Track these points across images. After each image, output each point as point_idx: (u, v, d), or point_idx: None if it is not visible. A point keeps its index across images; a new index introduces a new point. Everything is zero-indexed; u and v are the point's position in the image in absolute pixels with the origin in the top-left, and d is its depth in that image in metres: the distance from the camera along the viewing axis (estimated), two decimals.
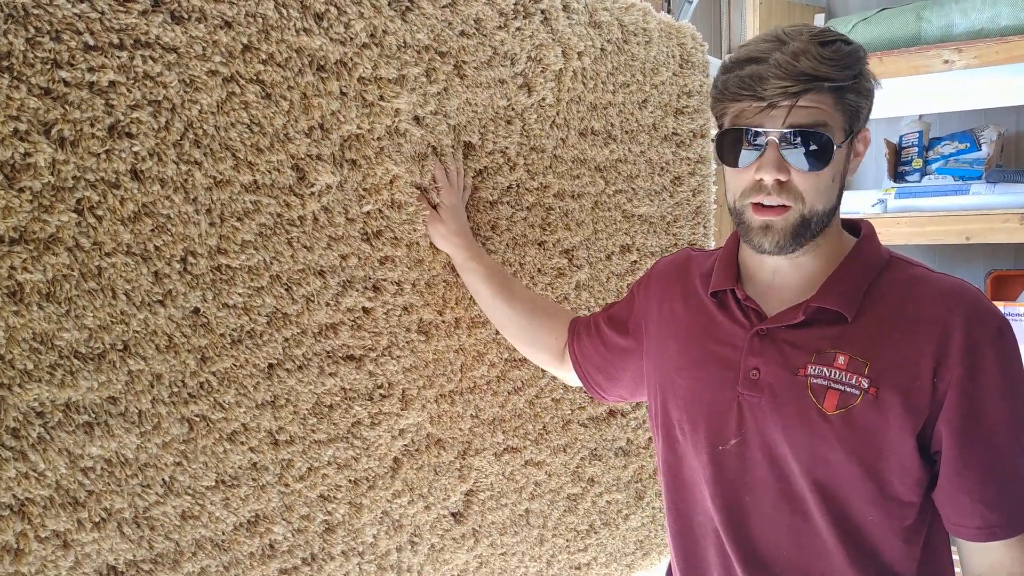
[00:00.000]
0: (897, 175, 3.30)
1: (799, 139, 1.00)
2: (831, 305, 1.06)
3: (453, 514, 1.46)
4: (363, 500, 1.27)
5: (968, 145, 3.13)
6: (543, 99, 1.51)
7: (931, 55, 2.70)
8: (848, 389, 1.03)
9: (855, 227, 1.15)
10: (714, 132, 1.16)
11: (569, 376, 1.42)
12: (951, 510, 1.05)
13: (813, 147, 1.00)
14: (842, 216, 1.14)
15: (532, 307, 1.40)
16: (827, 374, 1.04)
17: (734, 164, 1.05)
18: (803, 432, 1.05)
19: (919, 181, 3.09)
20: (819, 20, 3.33)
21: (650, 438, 1.88)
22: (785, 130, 1.00)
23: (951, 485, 1.03)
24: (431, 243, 1.36)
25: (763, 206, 1.04)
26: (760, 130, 1.01)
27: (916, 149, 3.25)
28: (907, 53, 2.76)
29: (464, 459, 1.47)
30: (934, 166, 3.13)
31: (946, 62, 2.69)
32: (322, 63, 1.12)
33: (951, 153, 3.14)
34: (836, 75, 0.98)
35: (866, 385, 1.02)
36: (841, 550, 1.06)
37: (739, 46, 1.06)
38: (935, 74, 2.69)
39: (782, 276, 1.12)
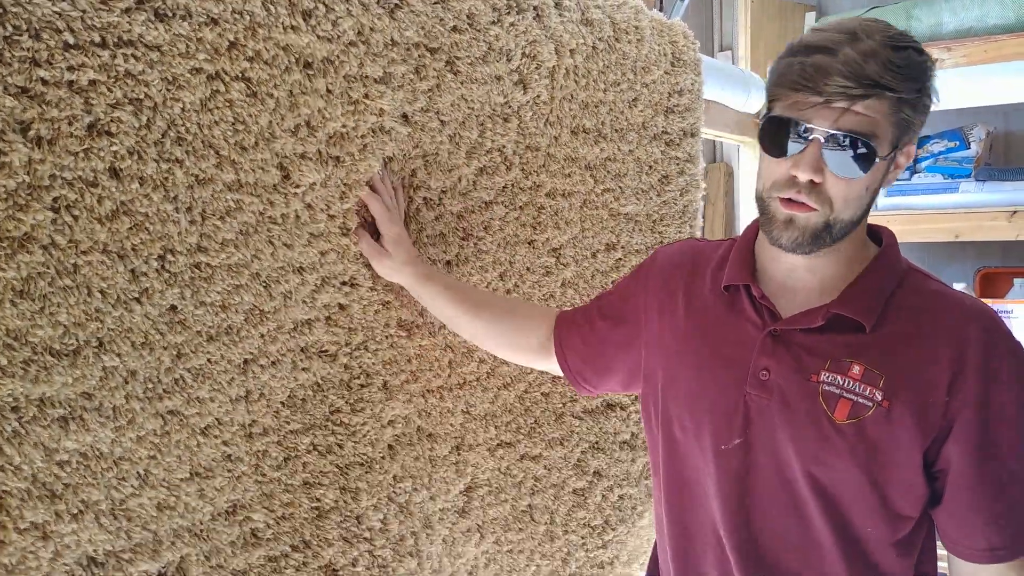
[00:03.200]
0: None
1: (846, 142, 0.97)
2: (852, 313, 1.05)
3: (457, 510, 1.47)
4: (359, 484, 1.28)
5: (957, 143, 3.13)
6: (538, 96, 1.51)
7: None
8: (861, 400, 1.02)
9: (877, 234, 1.13)
10: (755, 122, 1.09)
11: (555, 369, 1.39)
12: (956, 530, 1.05)
13: (855, 154, 0.97)
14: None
15: (499, 313, 1.35)
16: (840, 383, 1.03)
17: (774, 154, 1.02)
18: (811, 438, 1.04)
19: (909, 179, 3.10)
20: (810, 18, 3.31)
21: None
22: (834, 131, 0.97)
23: (958, 505, 1.03)
24: (416, 244, 1.36)
25: (791, 201, 1.01)
26: (809, 125, 0.98)
27: None
28: None
29: (459, 454, 1.48)
30: (924, 164, 3.13)
31: (935, 60, 2.67)
32: (309, 61, 1.12)
33: (940, 151, 3.14)
34: (899, 86, 0.96)
35: (879, 398, 1.02)
36: (840, 558, 1.07)
37: (812, 29, 1.03)
38: None
39: (797, 276, 1.10)
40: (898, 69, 0.95)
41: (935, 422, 1.01)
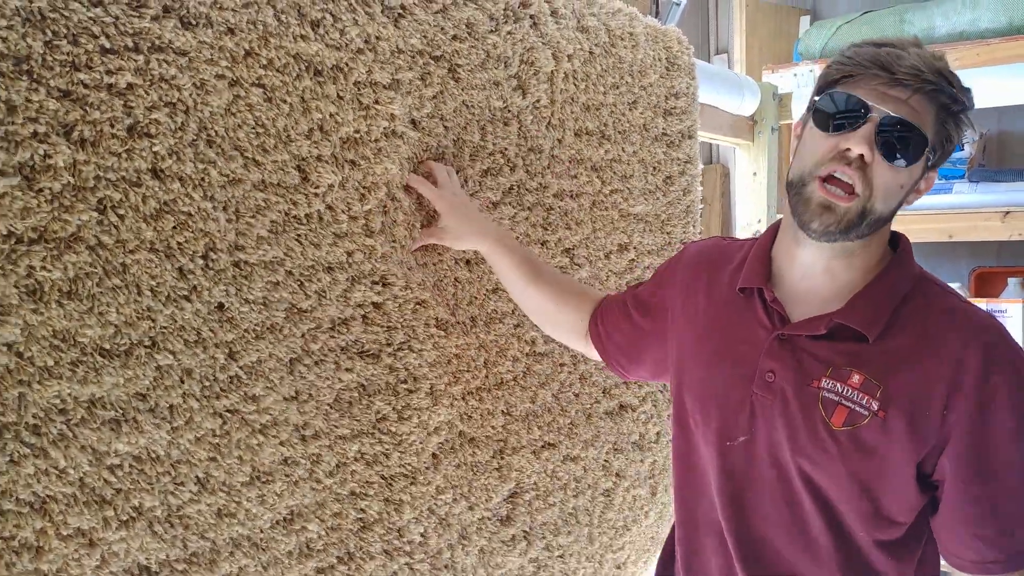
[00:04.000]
0: None
1: (899, 128, 0.99)
2: (855, 324, 1.06)
3: (499, 517, 1.46)
4: (403, 496, 1.27)
5: None
6: (538, 100, 1.55)
7: None
8: (858, 408, 1.04)
9: (894, 239, 1.14)
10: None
11: (593, 353, 1.43)
12: (948, 540, 1.07)
13: (907, 141, 1.00)
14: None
15: (559, 292, 1.40)
16: (839, 390, 1.05)
17: (830, 129, 1.02)
18: (808, 442, 1.06)
19: None
20: (804, 22, 3.41)
21: (658, 432, 1.90)
22: (893, 114, 0.99)
23: (951, 517, 1.05)
24: (434, 244, 1.38)
25: (833, 178, 1.02)
26: (870, 104, 0.99)
27: None
28: None
29: (502, 458, 1.47)
30: None
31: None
32: (319, 68, 1.16)
33: None
34: (955, 95, 1.01)
35: (876, 407, 1.03)
36: (835, 556, 1.08)
37: (864, 40, 1.07)
38: None
39: (810, 279, 1.11)
40: (956, 83, 1.01)
41: (929, 436, 1.02)
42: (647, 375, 1.39)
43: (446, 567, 1.33)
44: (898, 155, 1.00)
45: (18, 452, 0.85)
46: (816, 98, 1.06)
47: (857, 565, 1.08)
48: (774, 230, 1.19)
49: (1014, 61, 2.64)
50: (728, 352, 1.15)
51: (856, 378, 1.04)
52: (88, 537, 0.92)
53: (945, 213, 2.94)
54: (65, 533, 0.89)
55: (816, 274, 1.10)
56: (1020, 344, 1.07)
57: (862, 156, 1.00)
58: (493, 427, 1.45)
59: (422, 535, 1.30)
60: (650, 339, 1.33)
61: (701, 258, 1.29)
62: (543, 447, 1.55)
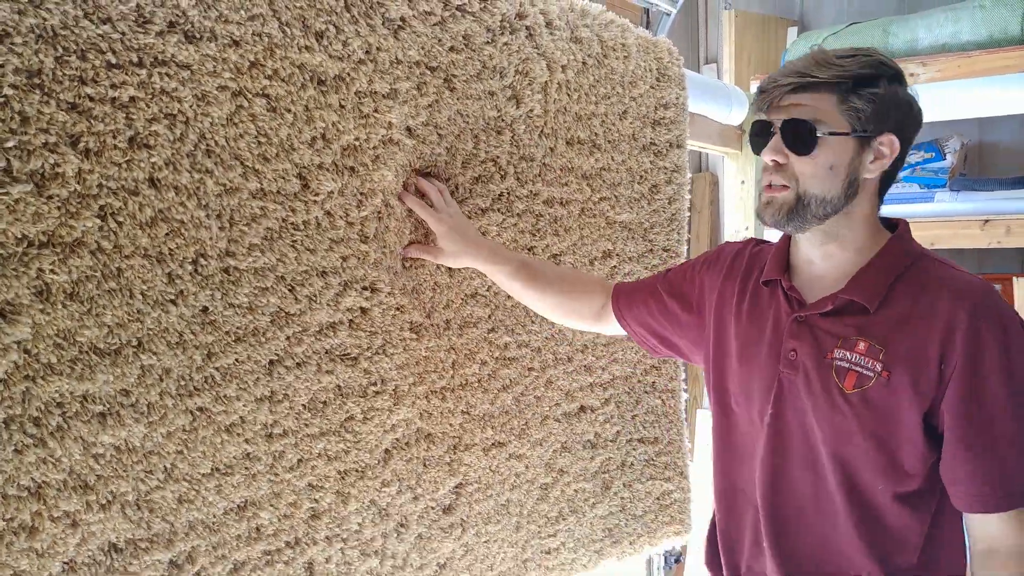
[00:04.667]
0: None
1: (791, 127, 1.17)
2: (856, 297, 1.20)
3: (443, 507, 1.54)
4: (351, 490, 1.34)
5: (933, 155, 3.24)
6: (531, 110, 1.59)
7: None
8: (865, 371, 1.18)
9: (893, 225, 1.29)
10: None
11: (607, 330, 1.60)
12: (950, 482, 1.18)
13: (801, 135, 1.17)
14: (884, 216, 1.29)
15: (563, 286, 1.54)
16: (849, 358, 1.20)
17: (755, 151, 1.25)
18: (827, 407, 1.21)
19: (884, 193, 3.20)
20: (792, 33, 3.44)
21: (617, 431, 1.98)
22: (783, 117, 1.18)
23: (951, 460, 1.17)
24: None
25: (770, 186, 1.22)
26: (766, 119, 1.22)
27: None
28: None
29: (455, 453, 1.54)
30: (901, 175, 3.23)
31: (911, 75, 2.80)
32: (322, 78, 1.20)
33: (917, 162, 3.25)
34: (823, 76, 1.16)
35: (880, 368, 1.17)
36: (849, 514, 1.22)
37: None
38: None
39: (816, 266, 1.27)
40: (827, 66, 1.16)
41: (931, 388, 1.15)
42: (675, 355, 1.56)
43: (375, 552, 1.41)
44: (800, 147, 1.18)
45: (22, 442, 0.92)
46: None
47: (868, 520, 1.21)
48: (789, 235, 1.34)
49: (994, 73, 2.69)
50: (760, 338, 1.30)
51: (862, 345, 1.19)
52: (72, 519, 0.99)
53: (928, 221, 3.00)
54: (56, 515, 0.96)
55: (817, 260, 1.27)
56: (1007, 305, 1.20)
57: (775, 161, 1.20)
58: (451, 425, 1.52)
59: (359, 524, 1.37)
60: (686, 329, 1.48)
61: (738, 256, 1.44)
62: (492, 445, 1.62)
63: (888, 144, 1.20)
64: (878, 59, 1.19)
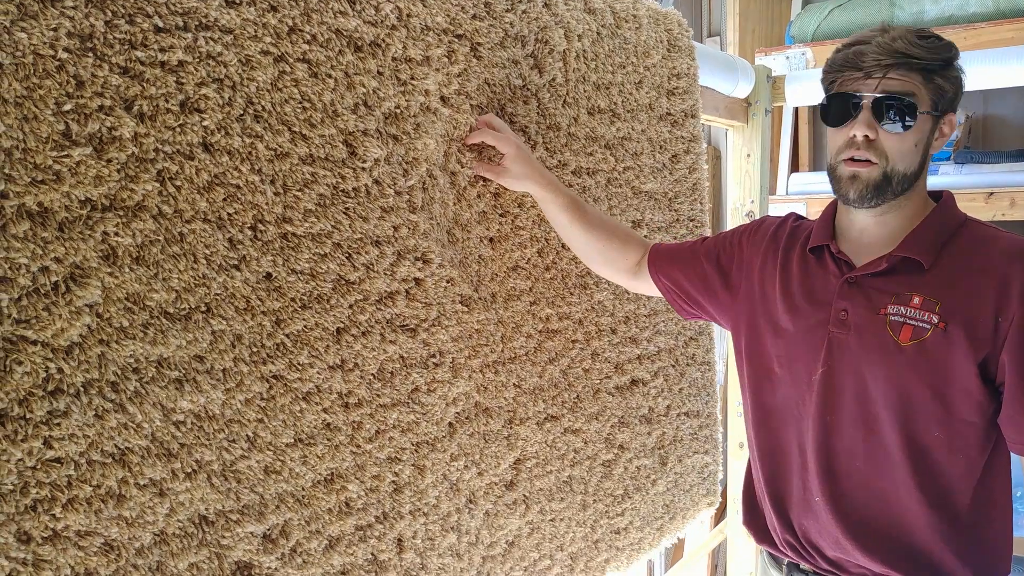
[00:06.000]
0: None
1: (890, 102, 1.19)
2: (911, 254, 1.24)
3: (505, 483, 1.51)
4: (425, 462, 1.32)
5: None
6: (553, 79, 1.59)
7: None
8: (921, 324, 1.21)
9: (937, 195, 1.33)
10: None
11: (639, 288, 1.64)
12: (1011, 429, 1.21)
13: (900, 111, 1.19)
14: (928, 189, 1.32)
15: (606, 232, 1.56)
16: (904, 312, 1.22)
17: (836, 124, 1.25)
18: (882, 361, 1.23)
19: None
20: (796, 5, 3.47)
21: (668, 406, 1.95)
22: (878, 95, 1.20)
23: (1011, 407, 1.19)
24: (463, 223, 1.43)
25: (853, 160, 1.23)
26: (857, 94, 1.21)
27: None
28: None
29: (511, 427, 1.52)
30: None
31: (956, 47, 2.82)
32: (359, 43, 1.20)
33: None
34: (925, 56, 1.19)
35: (936, 320, 1.20)
36: (906, 465, 1.24)
37: (851, 36, 1.28)
38: None
39: (869, 233, 1.30)
40: (922, 46, 1.19)
41: (987, 339, 1.18)
42: (704, 316, 1.58)
43: (453, 528, 1.38)
44: (896, 123, 1.20)
45: (102, 407, 0.90)
46: (821, 104, 1.30)
47: (925, 471, 1.23)
48: (835, 202, 1.37)
49: (1000, 45, 2.72)
50: (808, 301, 1.33)
51: (917, 300, 1.22)
52: (159, 487, 0.96)
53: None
54: (142, 483, 0.94)
55: (871, 227, 1.29)
56: None
57: (867, 137, 1.21)
58: (505, 398, 1.50)
59: (436, 499, 1.35)
60: (719, 294, 1.50)
61: (778, 228, 1.47)
62: (546, 419, 1.60)
63: (949, 123, 1.27)
64: (948, 41, 1.23)
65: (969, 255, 1.23)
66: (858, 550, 1.27)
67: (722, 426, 2.23)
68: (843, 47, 1.26)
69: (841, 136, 1.25)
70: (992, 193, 2.96)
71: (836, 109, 1.25)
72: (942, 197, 1.31)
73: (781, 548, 1.40)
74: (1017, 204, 2.94)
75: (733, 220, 2.75)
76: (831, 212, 1.38)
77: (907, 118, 1.19)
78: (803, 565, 1.38)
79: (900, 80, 1.19)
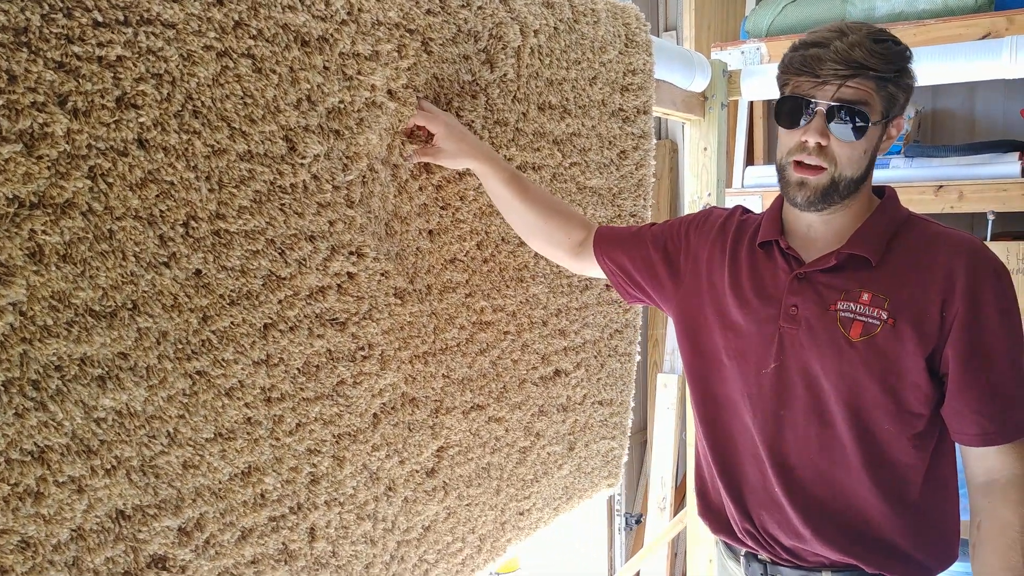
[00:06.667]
0: None
1: (843, 112, 1.21)
2: (859, 251, 1.28)
3: (426, 470, 1.55)
4: (345, 454, 1.35)
5: None
6: (504, 75, 1.60)
7: None
8: (871, 320, 1.25)
9: (880, 191, 1.36)
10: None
11: (582, 269, 1.64)
12: (954, 421, 1.26)
13: (853, 120, 1.21)
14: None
15: (547, 209, 1.56)
16: (854, 308, 1.26)
17: (788, 126, 1.27)
18: (833, 357, 1.27)
19: None
20: (750, 1, 3.48)
21: (584, 395, 2.02)
22: (833, 103, 1.21)
23: (955, 400, 1.25)
24: (403, 215, 1.44)
25: (803, 165, 1.25)
26: (813, 100, 1.23)
27: None
28: None
29: (436, 417, 1.56)
30: None
31: (910, 50, 2.87)
32: (306, 39, 1.19)
33: None
34: (881, 67, 1.20)
35: (885, 317, 1.24)
36: (859, 457, 1.28)
37: (808, 32, 1.28)
38: None
39: (816, 230, 1.33)
40: (879, 55, 1.20)
41: (933, 334, 1.23)
42: (647, 301, 1.60)
43: (369, 516, 1.42)
44: (848, 131, 1.22)
45: (22, 405, 0.91)
46: (775, 101, 1.30)
47: (877, 460, 1.28)
48: (782, 198, 1.38)
49: (949, 41, 2.78)
50: (757, 295, 1.36)
51: (866, 296, 1.26)
52: (78, 484, 0.98)
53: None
54: (60, 480, 0.95)
55: (817, 224, 1.33)
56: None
57: (819, 143, 1.23)
58: (433, 389, 1.54)
59: (354, 488, 1.38)
60: (662, 280, 1.52)
61: (725, 220, 1.49)
62: (472, 408, 1.64)
63: (897, 125, 1.29)
64: (903, 45, 1.25)
65: (916, 252, 1.27)
66: (816, 539, 1.32)
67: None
68: (800, 46, 1.26)
69: (792, 138, 1.26)
70: (941, 186, 3.04)
71: (789, 111, 1.26)
72: (885, 193, 1.35)
73: (740, 537, 1.43)
74: (966, 197, 3.02)
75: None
76: (778, 207, 1.40)
77: (859, 127, 1.22)
78: (761, 555, 1.41)
79: (855, 89, 1.21)
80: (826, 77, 1.21)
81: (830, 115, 1.21)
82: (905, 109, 1.29)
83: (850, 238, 1.29)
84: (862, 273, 1.28)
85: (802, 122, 1.24)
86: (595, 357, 2.04)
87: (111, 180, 0.97)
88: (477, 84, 1.55)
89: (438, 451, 1.58)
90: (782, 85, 1.30)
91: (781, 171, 1.30)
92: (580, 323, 1.95)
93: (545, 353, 1.85)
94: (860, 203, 1.31)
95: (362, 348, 1.36)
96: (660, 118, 3.42)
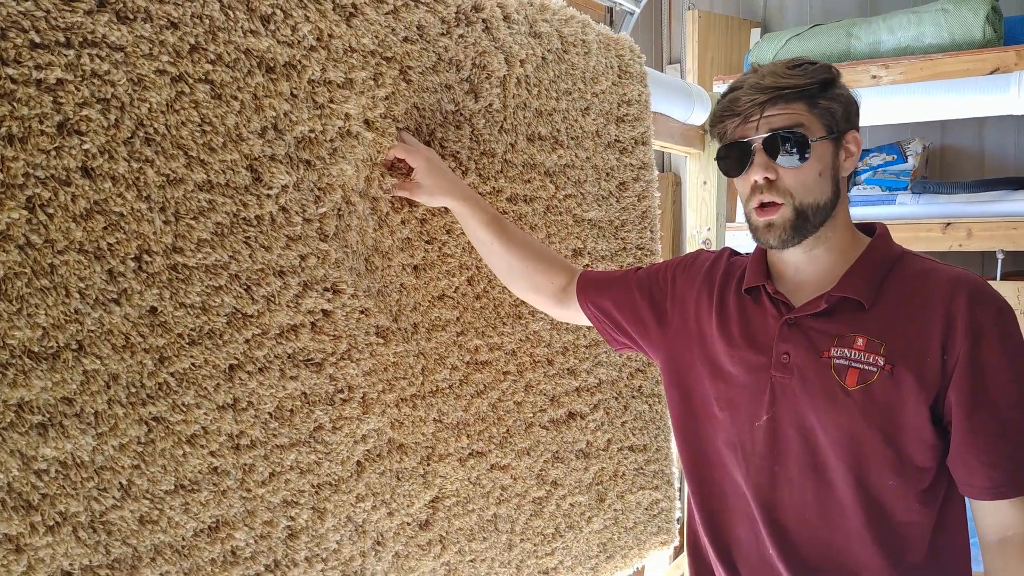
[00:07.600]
0: None
1: (780, 141, 1.15)
2: (850, 294, 1.18)
3: (419, 523, 1.45)
4: (326, 505, 1.25)
5: (895, 157, 3.25)
6: (490, 104, 1.54)
7: (860, 70, 2.84)
8: (867, 367, 1.15)
9: (871, 229, 1.28)
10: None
11: (567, 316, 1.55)
12: (962, 472, 1.15)
13: (790, 145, 1.15)
14: (858, 221, 1.27)
15: (529, 252, 1.49)
16: (848, 355, 1.17)
17: (736, 174, 1.22)
18: (828, 407, 1.17)
19: (849, 192, 3.20)
20: (755, 35, 3.45)
21: (608, 439, 1.90)
22: (766, 135, 1.16)
23: (961, 450, 1.14)
24: (384, 250, 1.37)
25: (762, 206, 1.19)
26: (745, 139, 1.18)
27: None
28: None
29: (428, 464, 1.46)
30: (863, 176, 3.25)
31: (874, 77, 2.82)
32: (271, 64, 1.13)
33: (879, 164, 3.26)
34: (798, 83, 1.15)
35: (882, 363, 1.15)
36: (861, 516, 1.18)
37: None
38: (864, 88, 2.81)
39: (803, 271, 1.25)
40: (792, 75, 1.16)
41: (935, 379, 1.13)
42: (634, 348, 1.51)
43: (355, 573, 1.32)
44: (792, 157, 1.16)
45: None
46: (716, 158, 1.25)
47: (880, 519, 1.17)
48: None
49: (956, 76, 2.71)
50: (747, 344, 1.27)
51: (860, 341, 1.17)
52: (15, 543, 0.89)
53: (889, 224, 2.99)
54: None
55: (804, 265, 1.24)
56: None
57: (767, 179, 1.17)
58: (423, 434, 1.44)
59: (337, 543, 1.28)
60: (648, 326, 1.43)
61: (713, 264, 1.41)
62: (470, 455, 1.54)
63: (854, 140, 1.22)
64: (823, 63, 1.20)
65: (911, 292, 1.18)
66: None
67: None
68: (721, 97, 1.23)
69: (744, 185, 1.21)
70: (949, 224, 2.95)
71: (731, 160, 1.21)
72: (876, 231, 1.27)
73: None
74: (974, 235, 2.93)
75: (691, 247, 2.72)
76: (763, 252, 1.33)
77: (802, 150, 1.16)
78: None
79: (782, 114, 1.16)
80: (747, 111, 1.17)
81: (770, 148, 1.16)
82: (855, 122, 1.23)
83: (840, 279, 1.20)
84: (855, 316, 1.19)
85: (746, 165, 1.19)
86: (615, 399, 1.93)
87: (52, 211, 0.90)
88: (461, 114, 1.50)
89: (432, 501, 1.48)
90: (718, 138, 1.25)
91: (748, 220, 1.24)
92: (592, 361, 1.85)
93: (554, 394, 1.75)
94: (842, 236, 1.23)
95: (341, 391, 1.27)
96: (663, 151, 3.37)
